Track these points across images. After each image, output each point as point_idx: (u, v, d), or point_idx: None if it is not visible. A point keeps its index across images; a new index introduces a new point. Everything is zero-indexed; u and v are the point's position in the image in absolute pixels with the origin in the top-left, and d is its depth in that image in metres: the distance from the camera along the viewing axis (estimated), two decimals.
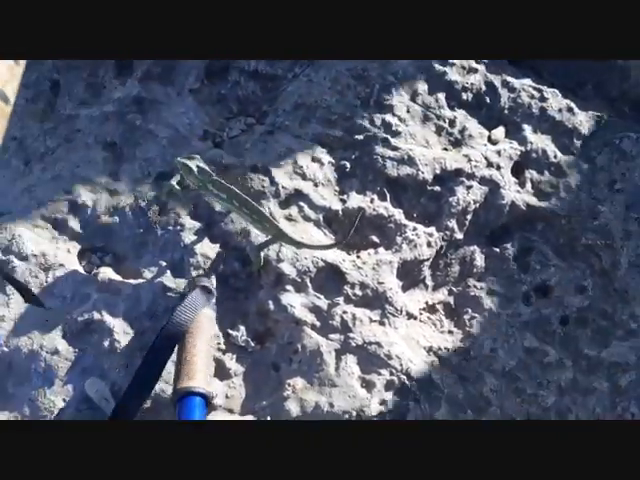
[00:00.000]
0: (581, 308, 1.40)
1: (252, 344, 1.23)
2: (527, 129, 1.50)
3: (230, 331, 1.23)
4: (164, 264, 1.25)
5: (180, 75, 1.36)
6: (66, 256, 1.22)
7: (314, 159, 1.37)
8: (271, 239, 1.22)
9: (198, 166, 1.16)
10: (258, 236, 1.26)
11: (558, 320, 1.39)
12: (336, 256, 1.31)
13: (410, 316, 1.35)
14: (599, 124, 1.56)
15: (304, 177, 1.35)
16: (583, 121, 1.54)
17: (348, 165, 1.38)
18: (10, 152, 1.31)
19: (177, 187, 1.22)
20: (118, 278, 1.22)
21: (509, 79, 1.53)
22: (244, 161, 1.33)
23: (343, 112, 1.40)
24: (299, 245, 1.23)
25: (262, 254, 1.23)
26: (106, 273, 1.22)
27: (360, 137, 1.39)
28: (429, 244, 1.38)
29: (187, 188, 1.24)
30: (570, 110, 1.54)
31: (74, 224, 1.25)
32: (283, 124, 1.39)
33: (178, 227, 1.27)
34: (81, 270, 1.23)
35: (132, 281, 1.22)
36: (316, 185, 1.35)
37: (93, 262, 1.24)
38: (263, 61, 1.42)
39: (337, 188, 1.37)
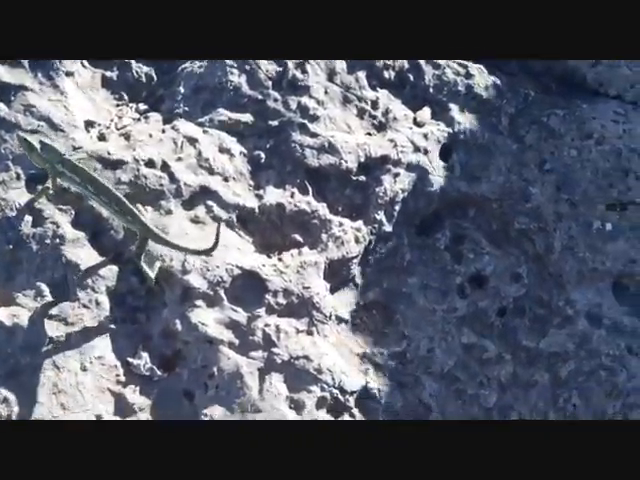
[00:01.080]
0: (517, 297, 1.34)
1: (158, 372, 1.05)
2: (454, 109, 1.40)
3: (130, 360, 1.05)
4: (43, 286, 1.03)
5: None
6: None
7: (222, 150, 1.19)
8: (141, 240, 1.02)
9: (42, 142, 0.96)
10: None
11: (495, 312, 1.32)
12: (254, 260, 1.15)
13: (341, 320, 1.22)
14: (526, 101, 1.49)
15: (211, 171, 1.17)
16: (510, 98, 1.46)
17: (263, 155, 1.22)
18: None
19: (51, 191, 1.01)
20: None
21: None
22: (137, 154, 1.13)
23: (253, 94, 1.23)
24: (167, 244, 1.04)
25: (157, 264, 1.04)
26: None
27: (275, 123, 1.23)
28: (357, 240, 1.26)
29: (66, 191, 1.03)
30: (496, 87, 1.45)
31: None
32: (183, 110, 1.20)
33: (57, 240, 1.05)
34: None
35: (3, 309, 1.00)
36: (226, 180, 1.18)
37: None
38: None
39: (252, 182, 1.21)
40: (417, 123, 1.38)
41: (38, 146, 0.95)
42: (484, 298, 1.32)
